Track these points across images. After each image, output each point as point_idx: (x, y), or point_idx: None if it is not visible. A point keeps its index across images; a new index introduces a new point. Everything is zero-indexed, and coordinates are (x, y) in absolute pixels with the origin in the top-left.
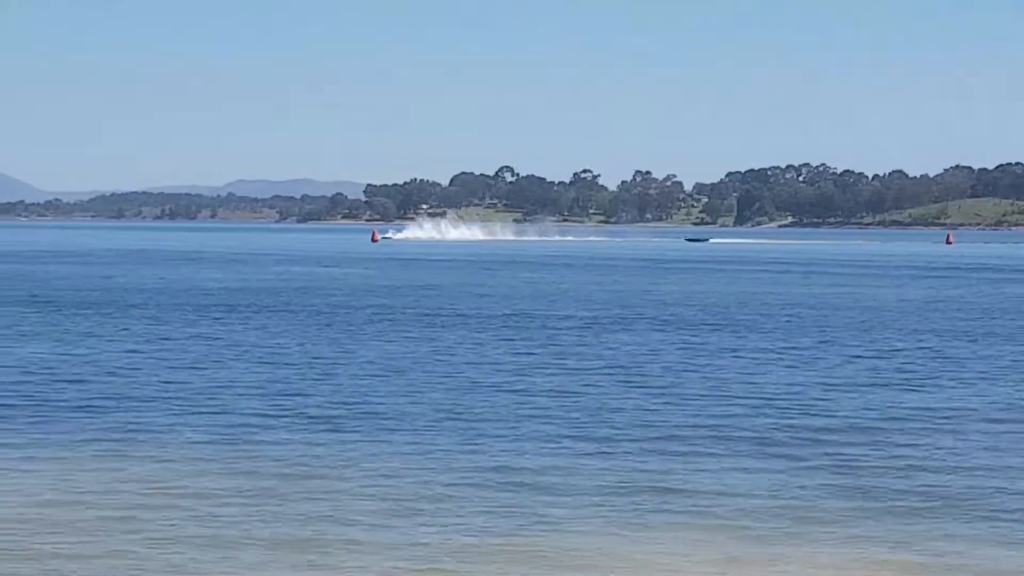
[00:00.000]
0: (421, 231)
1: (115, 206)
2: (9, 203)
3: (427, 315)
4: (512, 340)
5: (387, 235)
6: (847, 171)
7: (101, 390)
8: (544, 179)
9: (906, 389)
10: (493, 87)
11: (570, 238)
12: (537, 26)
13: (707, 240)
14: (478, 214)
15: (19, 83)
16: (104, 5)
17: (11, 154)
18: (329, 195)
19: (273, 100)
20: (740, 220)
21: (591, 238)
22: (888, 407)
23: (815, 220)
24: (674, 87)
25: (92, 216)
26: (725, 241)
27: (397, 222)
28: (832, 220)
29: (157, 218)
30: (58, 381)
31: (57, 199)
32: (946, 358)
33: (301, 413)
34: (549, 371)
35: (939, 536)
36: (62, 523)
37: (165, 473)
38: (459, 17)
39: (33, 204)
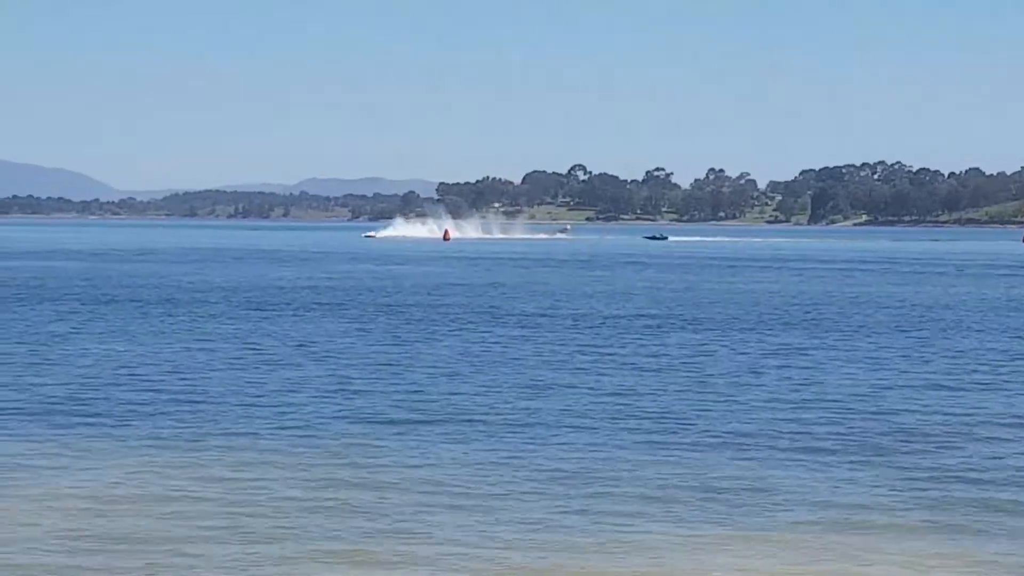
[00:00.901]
0: (396, 230)
1: (188, 204)
2: (85, 202)
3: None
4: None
5: (369, 234)
6: (923, 169)
7: (179, 390)
8: (617, 177)
9: (983, 392)
10: (566, 85)
11: (518, 235)
12: (610, 24)
13: (665, 238)
14: (549, 212)
15: (97, 85)
16: (177, 9)
17: (88, 154)
18: (401, 193)
19: (346, 99)
20: (814, 218)
21: (558, 235)
22: (965, 412)
23: (890, 218)
24: (747, 84)
25: (166, 214)
26: (684, 239)
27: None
28: (908, 218)
29: (230, 216)
30: (138, 381)
31: (131, 197)
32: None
33: (376, 415)
34: (622, 371)
35: (1007, 554)
36: (139, 530)
37: (240, 477)
38: (530, 15)
39: (108, 203)
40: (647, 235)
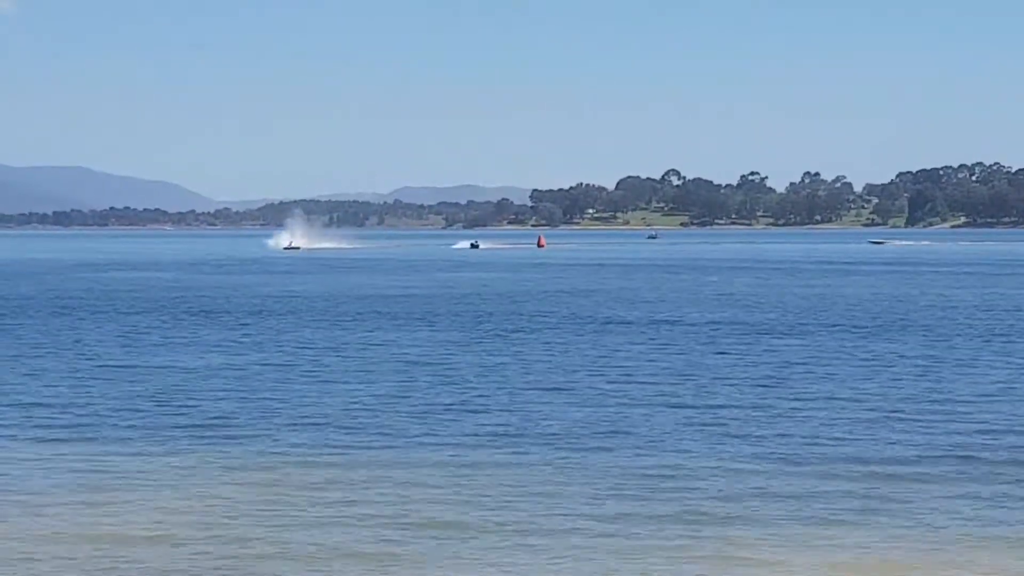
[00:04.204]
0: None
1: (283, 214)
2: (180, 212)
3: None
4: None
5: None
6: (1022, 169)
7: (290, 406)
8: (711, 182)
9: None
10: (659, 89)
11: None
12: (702, 28)
13: (477, 246)
14: (643, 218)
15: (197, 99)
16: (274, 23)
17: (184, 166)
18: (495, 200)
19: (439, 106)
20: (911, 221)
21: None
22: None
23: (989, 220)
24: (843, 86)
25: (261, 224)
26: (493, 246)
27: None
28: (1007, 220)
29: (325, 226)
30: (248, 393)
31: (227, 208)
32: None
33: (475, 430)
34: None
35: None
36: (247, 543)
37: (375, 495)
38: (628, 21)
39: (203, 213)
40: (472, 243)
